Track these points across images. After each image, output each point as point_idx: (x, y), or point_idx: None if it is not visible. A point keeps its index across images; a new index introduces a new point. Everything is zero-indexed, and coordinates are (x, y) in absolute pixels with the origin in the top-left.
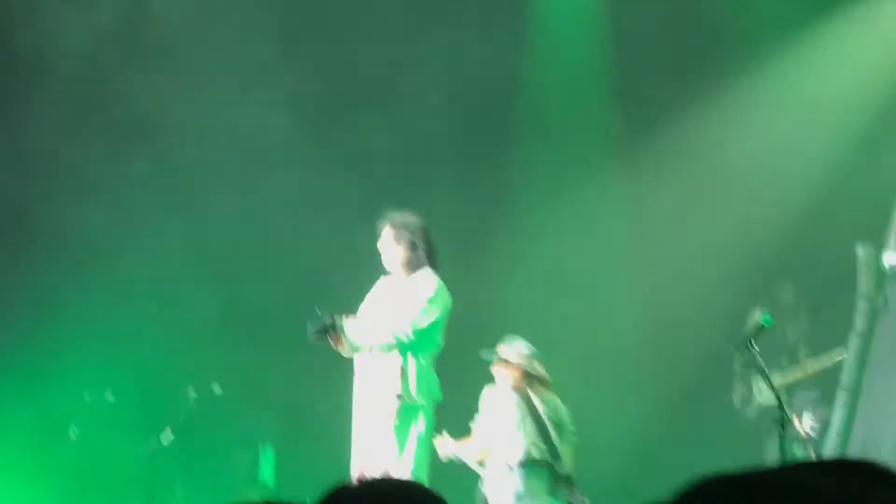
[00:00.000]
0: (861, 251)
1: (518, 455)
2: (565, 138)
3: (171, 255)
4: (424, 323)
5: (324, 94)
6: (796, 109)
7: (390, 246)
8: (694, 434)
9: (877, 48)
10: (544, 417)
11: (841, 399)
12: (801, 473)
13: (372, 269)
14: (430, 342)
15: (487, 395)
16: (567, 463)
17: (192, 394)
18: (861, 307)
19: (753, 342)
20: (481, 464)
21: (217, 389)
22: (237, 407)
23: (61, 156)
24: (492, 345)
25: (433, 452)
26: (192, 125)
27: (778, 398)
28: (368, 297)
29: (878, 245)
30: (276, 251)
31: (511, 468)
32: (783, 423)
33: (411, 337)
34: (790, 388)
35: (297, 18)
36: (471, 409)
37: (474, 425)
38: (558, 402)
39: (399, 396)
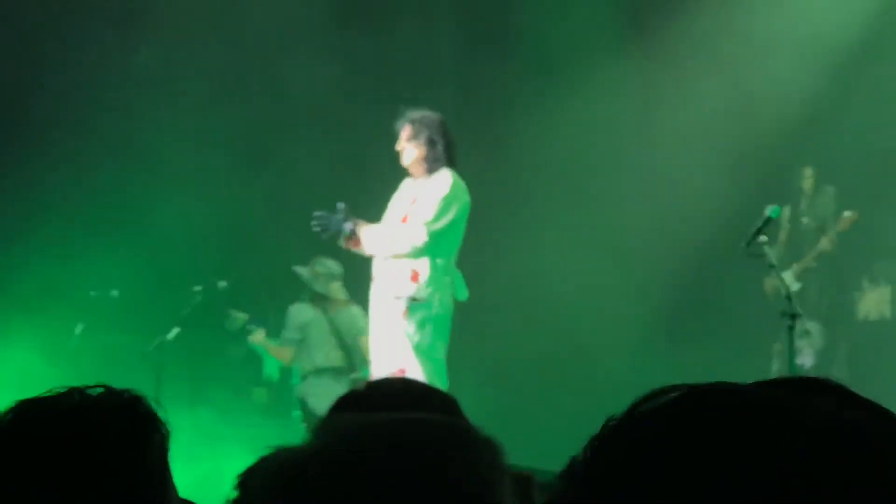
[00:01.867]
0: None
1: (316, 362)
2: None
3: (176, 153)
4: (440, 225)
5: None
6: None
7: (409, 143)
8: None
9: None
10: (340, 330)
11: None
12: (771, 391)
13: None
14: (449, 242)
15: (293, 309)
16: (364, 371)
17: (197, 288)
18: None
19: (762, 233)
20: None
21: (222, 284)
22: (242, 301)
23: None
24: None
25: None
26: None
27: (787, 291)
28: (392, 200)
29: None
30: (283, 151)
31: (313, 373)
32: (792, 315)
33: (427, 240)
34: (805, 273)
35: None
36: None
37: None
38: (356, 315)
39: (412, 299)
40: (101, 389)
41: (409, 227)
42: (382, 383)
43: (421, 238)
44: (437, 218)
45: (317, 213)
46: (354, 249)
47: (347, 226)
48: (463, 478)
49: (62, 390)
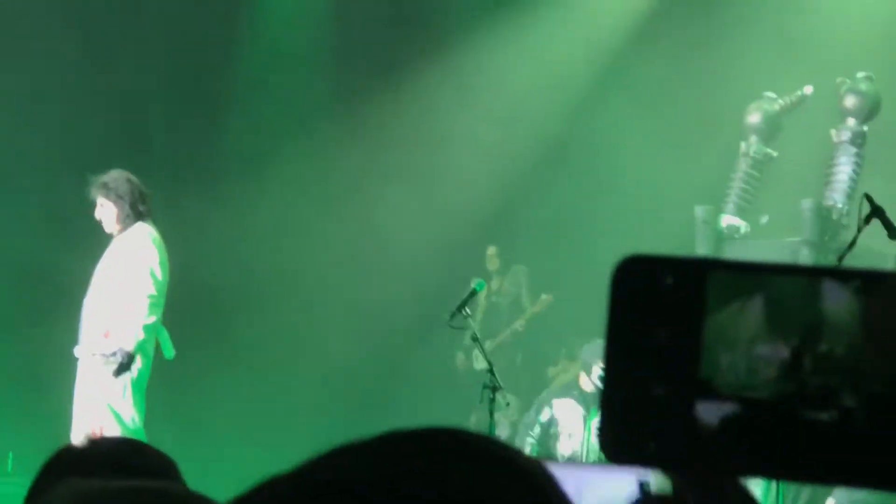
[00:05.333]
0: (699, 211)
1: None
2: (280, 105)
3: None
4: (152, 291)
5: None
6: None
7: (102, 208)
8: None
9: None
10: None
11: None
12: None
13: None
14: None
15: None
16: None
17: None
18: None
19: (466, 307)
20: None
21: None
22: None
23: None
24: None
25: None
26: None
27: (489, 363)
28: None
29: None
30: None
31: None
32: (493, 388)
33: (147, 319)
34: (501, 348)
35: None
36: None
37: None
38: None
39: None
40: None
41: (126, 312)
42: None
43: (143, 321)
44: (148, 287)
45: None
46: None
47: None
48: None
49: None
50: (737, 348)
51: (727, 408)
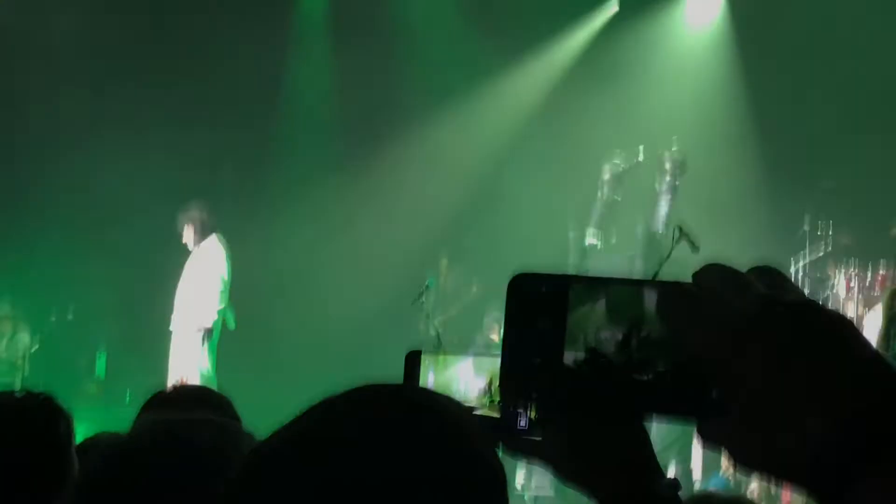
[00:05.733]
0: (571, 234)
1: None
2: (302, 158)
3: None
4: (221, 285)
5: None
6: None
7: (187, 230)
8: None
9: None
10: None
11: None
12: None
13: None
14: (225, 291)
15: None
16: None
17: (52, 317)
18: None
19: (423, 296)
20: None
21: (70, 315)
22: (84, 324)
23: None
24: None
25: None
26: None
27: (437, 331)
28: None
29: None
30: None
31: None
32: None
33: (220, 303)
34: (447, 321)
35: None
36: None
37: None
38: None
39: (199, 329)
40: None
41: (201, 300)
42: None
43: (215, 309)
44: (217, 286)
45: None
46: None
47: None
48: (223, 464)
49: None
50: (588, 333)
51: (581, 371)
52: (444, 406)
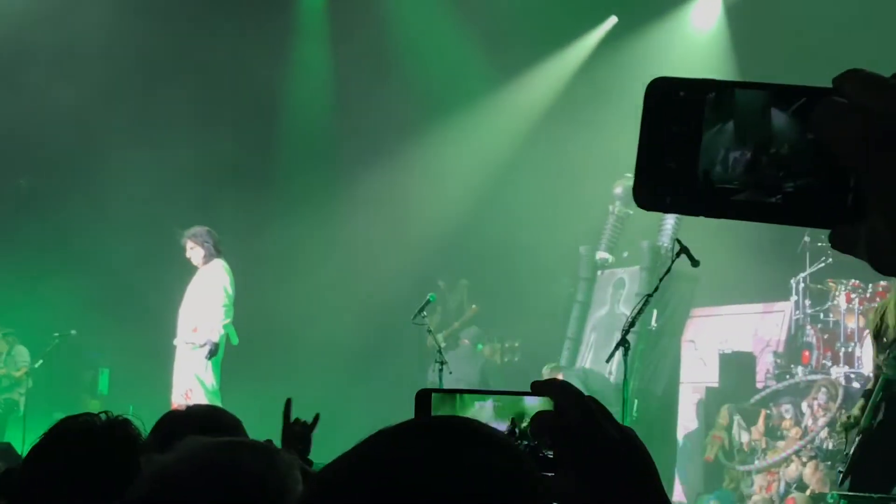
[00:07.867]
0: (582, 249)
1: None
2: (305, 175)
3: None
4: (226, 302)
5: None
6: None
7: (191, 250)
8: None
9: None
10: None
11: (566, 345)
12: (387, 442)
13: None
14: (229, 308)
15: None
16: None
17: (56, 332)
18: (581, 286)
19: (424, 311)
20: None
21: (73, 332)
22: (86, 342)
23: None
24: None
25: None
26: None
27: (438, 346)
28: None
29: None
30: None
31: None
32: (442, 362)
33: (224, 320)
34: (450, 336)
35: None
36: None
37: None
38: None
39: (204, 344)
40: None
41: (209, 315)
42: (195, 408)
43: (222, 322)
44: (227, 304)
45: None
46: None
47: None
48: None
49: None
50: (719, 151)
51: (713, 177)
52: (502, 436)
